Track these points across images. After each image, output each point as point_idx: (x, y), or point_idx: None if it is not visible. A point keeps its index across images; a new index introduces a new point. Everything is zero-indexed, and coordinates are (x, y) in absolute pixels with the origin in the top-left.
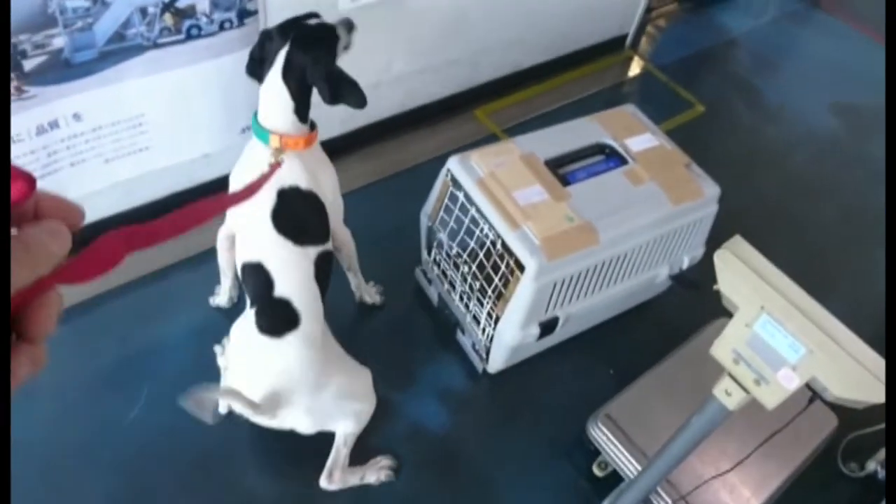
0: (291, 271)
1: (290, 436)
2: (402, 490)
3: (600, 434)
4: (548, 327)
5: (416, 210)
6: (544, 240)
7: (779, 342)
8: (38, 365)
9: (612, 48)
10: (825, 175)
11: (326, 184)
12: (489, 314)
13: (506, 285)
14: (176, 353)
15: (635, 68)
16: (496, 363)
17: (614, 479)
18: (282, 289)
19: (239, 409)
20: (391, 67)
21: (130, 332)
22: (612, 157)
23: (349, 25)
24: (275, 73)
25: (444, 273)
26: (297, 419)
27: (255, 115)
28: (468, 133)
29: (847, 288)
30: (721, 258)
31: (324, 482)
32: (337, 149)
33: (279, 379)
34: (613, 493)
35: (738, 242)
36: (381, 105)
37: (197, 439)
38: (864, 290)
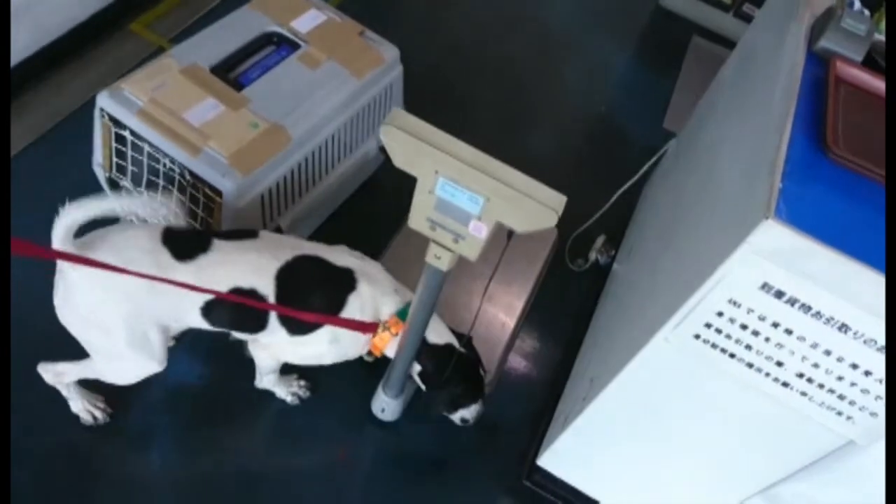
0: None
1: None
2: (178, 464)
3: None
4: None
5: (91, 162)
6: (232, 156)
7: (460, 199)
8: None
9: None
10: (502, 7)
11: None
12: None
13: (210, 214)
14: None
15: None
16: None
17: (384, 359)
18: None
19: None
20: None
21: None
22: (282, 46)
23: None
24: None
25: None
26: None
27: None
28: (131, 53)
29: (548, 113)
30: (386, 134)
31: (41, 366)
32: None
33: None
34: (386, 371)
35: (399, 115)
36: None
37: None
38: (562, 112)
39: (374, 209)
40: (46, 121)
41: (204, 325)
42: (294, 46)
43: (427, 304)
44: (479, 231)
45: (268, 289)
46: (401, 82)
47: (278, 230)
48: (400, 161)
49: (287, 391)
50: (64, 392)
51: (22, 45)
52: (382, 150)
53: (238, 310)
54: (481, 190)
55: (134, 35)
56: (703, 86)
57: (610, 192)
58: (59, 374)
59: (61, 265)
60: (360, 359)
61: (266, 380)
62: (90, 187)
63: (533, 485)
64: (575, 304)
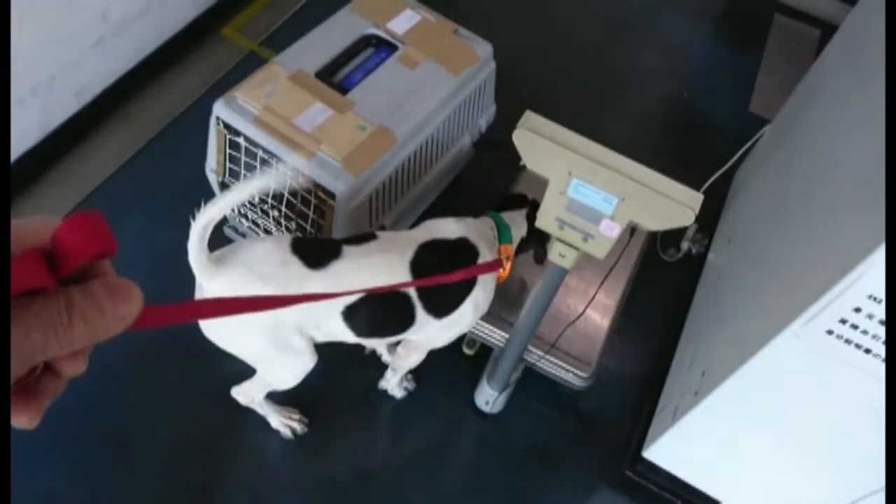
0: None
1: None
2: (297, 458)
3: None
4: None
5: (201, 164)
6: (345, 159)
7: (593, 200)
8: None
9: None
10: None
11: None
12: None
13: (322, 216)
14: None
15: None
16: None
17: (484, 351)
18: None
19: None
20: (109, 16)
21: None
22: (381, 48)
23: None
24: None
25: (255, 224)
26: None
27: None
28: (224, 58)
29: (628, 97)
30: (520, 138)
31: (234, 390)
32: (83, 126)
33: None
34: (489, 363)
35: (530, 118)
36: (113, 62)
37: None
38: (643, 96)
39: (464, 204)
40: (149, 129)
41: (347, 333)
42: (392, 48)
43: (545, 301)
44: (611, 231)
45: None
46: (493, 77)
47: (382, 229)
48: (532, 163)
49: (399, 387)
50: (259, 411)
51: (128, 56)
52: (475, 145)
53: (383, 309)
54: (616, 190)
55: (225, 40)
56: (790, 67)
57: (698, 180)
58: (247, 394)
59: (200, 279)
60: (460, 350)
61: (394, 380)
62: (201, 190)
63: (636, 476)
64: (669, 294)
